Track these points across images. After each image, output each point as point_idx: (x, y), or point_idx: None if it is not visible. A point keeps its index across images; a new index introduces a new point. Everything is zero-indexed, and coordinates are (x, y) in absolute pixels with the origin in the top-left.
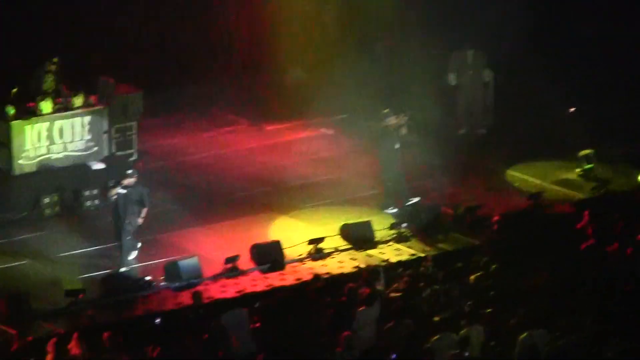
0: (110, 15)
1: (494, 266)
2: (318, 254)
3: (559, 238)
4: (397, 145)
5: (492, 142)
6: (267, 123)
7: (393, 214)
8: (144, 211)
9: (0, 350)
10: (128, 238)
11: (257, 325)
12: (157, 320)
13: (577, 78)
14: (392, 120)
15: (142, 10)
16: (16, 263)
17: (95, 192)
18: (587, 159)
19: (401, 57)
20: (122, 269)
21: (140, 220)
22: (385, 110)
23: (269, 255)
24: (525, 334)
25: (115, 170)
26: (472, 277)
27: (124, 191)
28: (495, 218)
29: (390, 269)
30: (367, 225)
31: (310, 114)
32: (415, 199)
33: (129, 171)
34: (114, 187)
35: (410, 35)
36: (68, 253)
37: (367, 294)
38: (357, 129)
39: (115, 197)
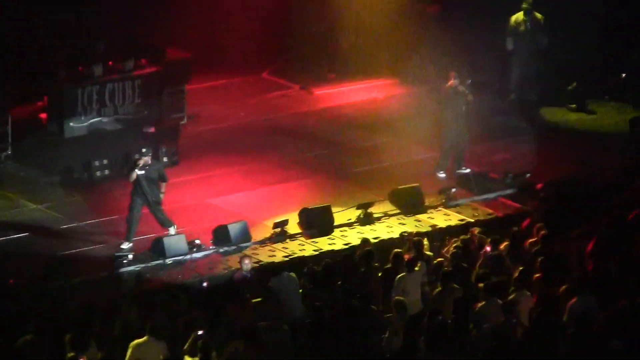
0: None
1: (542, 232)
2: (366, 219)
3: (607, 205)
4: (464, 108)
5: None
6: (317, 87)
7: (443, 178)
8: (164, 185)
9: None
10: (161, 214)
11: (307, 289)
12: (204, 284)
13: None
14: (460, 84)
15: None
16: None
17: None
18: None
19: (455, 21)
20: (125, 245)
21: (162, 195)
22: (453, 74)
23: (318, 220)
24: (574, 301)
25: (164, 133)
26: (526, 242)
27: (142, 172)
28: (540, 185)
29: (438, 235)
30: (416, 190)
31: (360, 78)
32: (467, 170)
33: (143, 150)
34: (132, 169)
35: None
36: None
37: (408, 260)
38: (409, 92)
39: (135, 178)
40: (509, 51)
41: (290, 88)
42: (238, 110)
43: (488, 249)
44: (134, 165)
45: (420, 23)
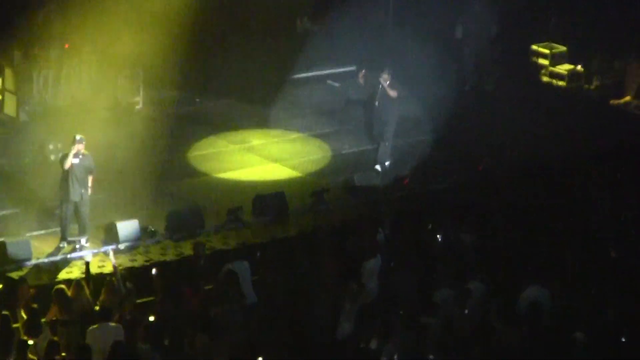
0: None
1: (497, 223)
2: (321, 205)
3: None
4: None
5: (498, 98)
6: None
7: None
8: (91, 179)
9: None
10: (84, 216)
11: (259, 276)
12: (154, 270)
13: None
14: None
15: None
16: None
17: None
18: None
19: (407, 9)
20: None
21: (89, 191)
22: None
23: (272, 206)
24: (527, 291)
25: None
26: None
27: (77, 160)
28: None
29: (394, 220)
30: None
31: (316, 66)
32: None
33: (77, 137)
34: (66, 155)
35: None
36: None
37: (370, 246)
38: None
39: (69, 166)
40: (459, 39)
41: None
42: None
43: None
44: (69, 152)
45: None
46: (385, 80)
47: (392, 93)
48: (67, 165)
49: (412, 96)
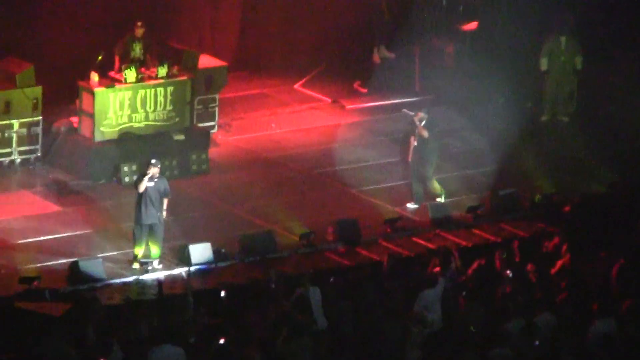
0: None
1: (568, 254)
2: (395, 234)
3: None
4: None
5: (573, 130)
6: (348, 101)
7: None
8: (166, 202)
9: None
10: (158, 236)
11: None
12: (223, 293)
13: None
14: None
15: None
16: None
17: (174, 162)
18: None
19: (488, 40)
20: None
21: (164, 213)
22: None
23: (346, 233)
24: (597, 323)
25: (195, 141)
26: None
27: (152, 183)
28: (567, 208)
29: (465, 252)
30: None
31: (392, 95)
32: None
33: (153, 161)
34: (141, 180)
35: (498, 18)
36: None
37: (429, 276)
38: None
39: (143, 190)
40: (543, 71)
41: (322, 101)
42: (269, 121)
43: (509, 272)
44: (142, 176)
45: (457, 41)
46: (420, 120)
47: (424, 133)
48: (141, 189)
49: (483, 127)
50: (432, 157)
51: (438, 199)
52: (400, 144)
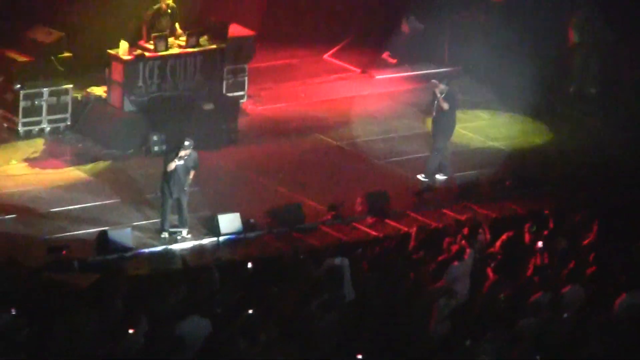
0: None
1: (596, 227)
2: (423, 205)
3: None
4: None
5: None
6: (377, 71)
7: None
8: (192, 173)
9: None
10: (184, 208)
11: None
12: (249, 265)
13: None
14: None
15: None
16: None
17: (204, 132)
18: None
19: (517, 12)
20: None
21: (189, 185)
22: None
23: (375, 205)
24: (624, 296)
25: (224, 111)
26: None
27: (181, 162)
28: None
29: (493, 225)
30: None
31: (421, 65)
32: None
33: (186, 143)
34: (172, 159)
35: None
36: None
37: (458, 249)
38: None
39: (173, 168)
40: (572, 43)
41: (351, 71)
42: (298, 91)
43: (540, 244)
44: (175, 156)
45: (485, 12)
46: (441, 91)
47: (444, 105)
48: (170, 168)
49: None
50: (447, 130)
51: (420, 175)
52: (424, 114)
